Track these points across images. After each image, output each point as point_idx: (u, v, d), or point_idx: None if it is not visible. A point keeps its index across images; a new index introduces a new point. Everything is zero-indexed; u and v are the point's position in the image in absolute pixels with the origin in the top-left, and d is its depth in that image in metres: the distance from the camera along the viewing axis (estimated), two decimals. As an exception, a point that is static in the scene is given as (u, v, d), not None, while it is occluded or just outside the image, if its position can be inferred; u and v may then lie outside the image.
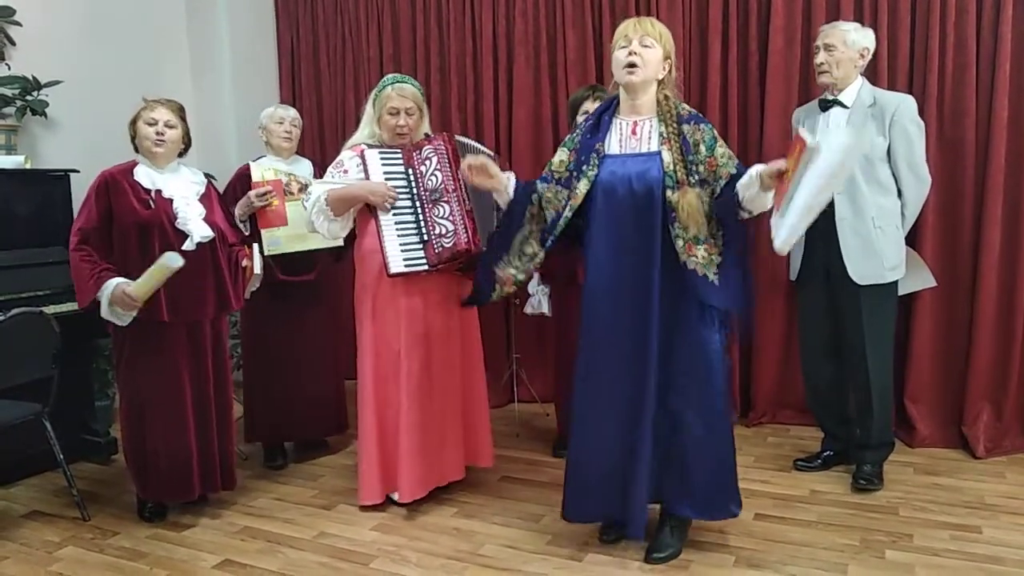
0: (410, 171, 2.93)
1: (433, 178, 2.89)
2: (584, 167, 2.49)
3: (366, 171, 2.91)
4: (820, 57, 3.05)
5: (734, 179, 2.37)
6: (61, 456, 3.03)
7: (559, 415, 3.70)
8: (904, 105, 3.00)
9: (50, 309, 3.15)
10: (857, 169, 2.95)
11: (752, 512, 2.89)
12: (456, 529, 2.88)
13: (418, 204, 2.90)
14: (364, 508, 3.03)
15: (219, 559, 2.70)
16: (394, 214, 2.89)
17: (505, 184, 2.59)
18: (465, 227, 2.84)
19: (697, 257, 2.37)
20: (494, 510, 3.03)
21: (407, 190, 2.92)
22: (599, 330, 2.50)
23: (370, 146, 2.99)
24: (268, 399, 3.55)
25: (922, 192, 3.07)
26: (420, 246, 2.88)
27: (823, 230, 3.03)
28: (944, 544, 2.64)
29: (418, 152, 2.94)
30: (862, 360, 3.08)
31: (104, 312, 2.77)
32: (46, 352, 2.98)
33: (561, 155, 2.59)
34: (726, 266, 2.39)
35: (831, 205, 2.99)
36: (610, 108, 2.55)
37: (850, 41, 3.02)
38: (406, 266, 2.86)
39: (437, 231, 2.86)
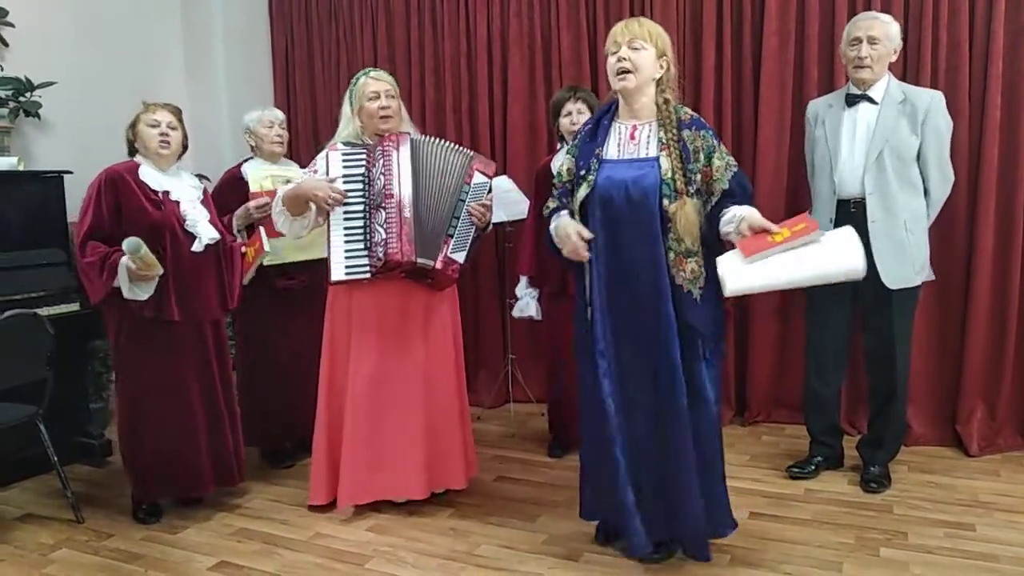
0: (367, 174, 2.83)
1: (378, 181, 2.80)
2: (583, 172, 2.46)
3: (328, 171, 2.84)
4: (864, 50, 2.90)
5: (726, 195, 2.33)
6: (55, 458, 3.02)
7: (551, 419, 3.71)
8: (936, 102, 2.94)
9: (44, 311, 3.15)
10: (890, 169, 2.90)
11: (747, 511, 2.89)
12: (452, 529, 2.88)
13: (367, 209, 2.82)
14: (313, 508, 3.03)
15: (214, 561, 2.70)
16: (345, 217, 2.81)
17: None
18: (398, 235, 2.75)
19: (685, 272, 2.33)
20: (490, 510, 3.03)
21: (362, 193, 2.83)
22: (609, 345, 2.44)
23: (344, 143, 2.91)
24: (263, 403, 3.53)
25: (946, 191, 3.03)
26: (365, 253, 2.79)
27: None
28: (938, 542, 2.65)
29: (373, 153, 2.85)
30: (891, 364, 3.03)
31: (126, 292, 2.78)
32: (40, 354, 2.97)
33: (567, 163, 2.55)
34: (709, 282, 2.34)
35: (862, 207, 2.94)
36: (609, 112, 2.51)
37: (891, 35, 2.92)
38: (347, 274, 2.79)
39: (375, 238, 2.77)
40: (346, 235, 2.81)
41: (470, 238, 2.94)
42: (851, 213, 2.98)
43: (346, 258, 2.79)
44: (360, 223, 2.81)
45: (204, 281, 2.94)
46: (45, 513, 3.13)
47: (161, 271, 2.79)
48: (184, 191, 2.99)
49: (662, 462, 2.43)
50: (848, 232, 2.21)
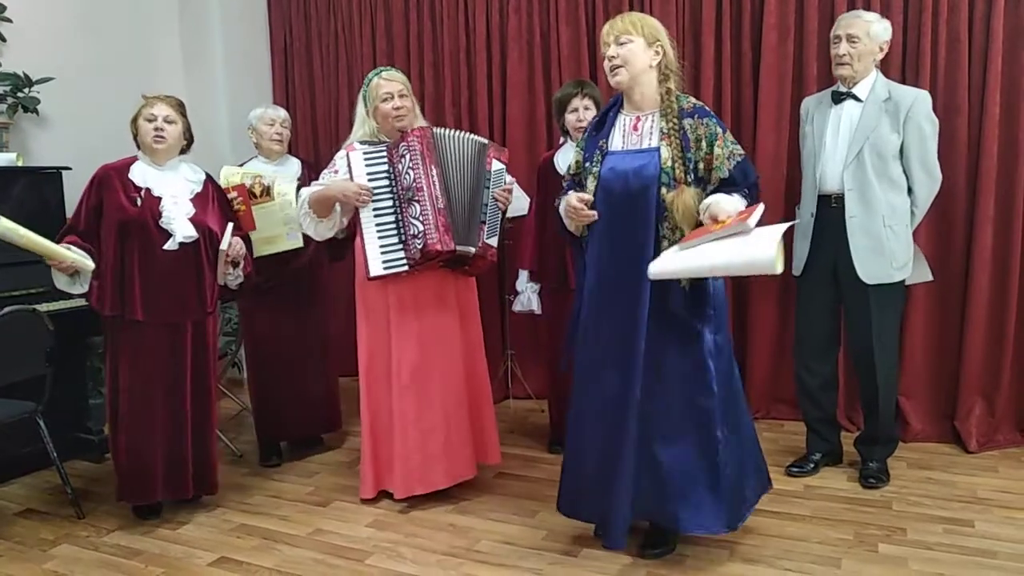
0: (392, 170, 2.88)
1: (407, 176, 2.83)
2: (589, 164, 2.49)
3: (350, 171, 2.87)
4: (842, 48, 2.95)
5: (725, 183, 2.35)
6: (55, 454, 3.02)
7: (552, 413, 3.71)
8: (920, 101, 2.95)
9: (43, 307, 3.14)
10: (869, 166, 2.92)
11: (747, 507, 2.90)
12: (452, 525, 2.89)
13: (397, 204, 2.86)
14: (364, 502, 3.07)
15: (215, 556, 2.70)
16: (375, 214, 2.85)
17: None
18: (436, 226, 2.79)
19: None
20: (490, 506, 3.03)
21: (389, 189, 2.87)
22: (592, 329, 2.49)
23: (362, 142, 2.96)
24: (266, 398, 3.55)
25: (933, 190, 3.03)
26: (400, 247, 2.84)
27: (831, 228, 2.99)
28: (937, 538, 2.66)
29: (396, 149, 2.88)
30: (870, 359, 3.04)
31: (60, 285, 2.78)
32: (40, 350, 2.97)
33: (576, 156, 2.58)
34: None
35: (841, 203, 2.98)
36: (615, 105, 2.54)
37: (873, 33, 2.94)
38: (385, 268, 2.83)
39: (411, 231, 2.81)
40: (379, 231, 2.84)
41: (499, 223, 3.05)
42: (832, 208, 3.01)
43: (382, 253, 2.83)
44: (391, 218, 2.86)
45: (179, 280, 2.86)
46: (45, 509, 3.13)
47: (78, 261, 2.68)
48: (174, 186, 2.91)
49: (608, 443, 2.45)
50: (773, 229, 2.18)
